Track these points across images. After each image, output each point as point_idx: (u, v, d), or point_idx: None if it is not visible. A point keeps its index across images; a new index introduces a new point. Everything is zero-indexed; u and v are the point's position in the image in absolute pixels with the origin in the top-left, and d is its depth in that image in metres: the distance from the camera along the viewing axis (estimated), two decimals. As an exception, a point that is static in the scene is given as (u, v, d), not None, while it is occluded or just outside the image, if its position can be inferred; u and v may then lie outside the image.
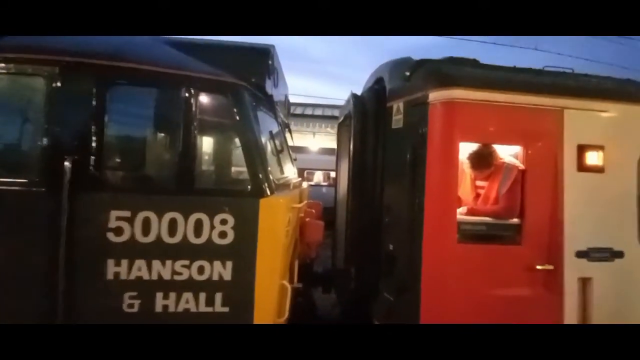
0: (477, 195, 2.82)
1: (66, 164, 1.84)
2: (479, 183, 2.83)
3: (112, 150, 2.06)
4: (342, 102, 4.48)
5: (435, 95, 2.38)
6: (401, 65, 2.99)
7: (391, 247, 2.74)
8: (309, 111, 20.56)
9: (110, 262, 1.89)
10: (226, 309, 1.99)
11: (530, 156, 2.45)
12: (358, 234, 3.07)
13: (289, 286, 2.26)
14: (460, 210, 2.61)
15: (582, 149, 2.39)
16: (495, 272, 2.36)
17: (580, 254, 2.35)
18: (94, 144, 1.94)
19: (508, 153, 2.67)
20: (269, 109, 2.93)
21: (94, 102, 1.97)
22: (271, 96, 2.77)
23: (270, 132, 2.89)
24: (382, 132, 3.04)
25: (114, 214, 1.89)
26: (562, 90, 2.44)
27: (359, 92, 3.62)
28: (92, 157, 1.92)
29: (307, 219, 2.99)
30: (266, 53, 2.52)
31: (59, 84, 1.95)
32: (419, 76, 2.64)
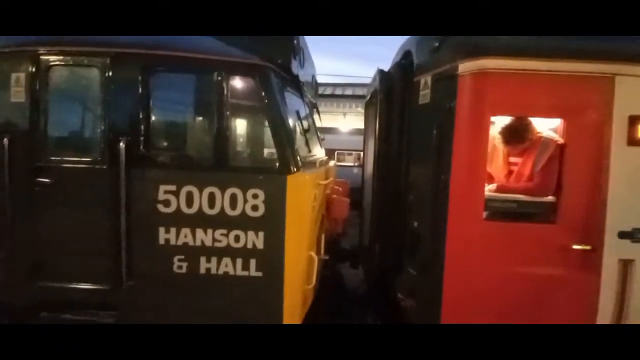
0: (510, 172, 2.71)
1: (121, 144, 2.13)
2: (512, 159, 2.70)
3: (157, 131, 2.31)
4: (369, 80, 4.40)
5: (465, 67, 2.27)
6: (430, 38, 2.86)
7: (415, 224, 2.77)
8: (338, 91, 20.18)
9: (161, 230, 2.18)
10: (260, 274, 2.22)
11: (572, 129, 2.28)
12: (383, 211, 3.13)
13: (315, 257, 2.43)
14: (490, 187, 2.54)
15: (634, 121, 2.16)
16: (525, 250, 2.30)
17: (623, 235, 2.19)
18: (142, 126, 2.20)
19: (546, 126, 2.49)
20: (295, 89, 3.01)
21: (140, 89, 2.21)
22: (297, 76, 2.84)
23: (297, 112, 2.98)
24: (408, 108, 2.99)
25: (162, 187, 2.16)
26: (615, 54, 2.19)
27: (381, 70, 3.53)
28: (142, 138, 2.19)
29: (334, 196, 3.10)
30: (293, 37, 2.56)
31: (110, 74, 2.21)
32: (448, 47, 2.51)
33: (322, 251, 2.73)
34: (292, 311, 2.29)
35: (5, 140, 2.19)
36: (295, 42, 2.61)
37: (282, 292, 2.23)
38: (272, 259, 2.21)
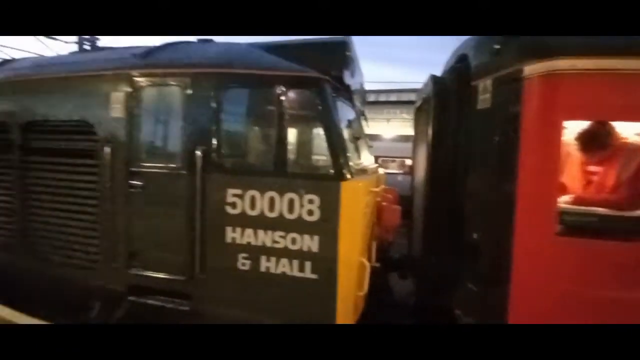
0: (588, 183, 2.43)
1: (197, 152, 2.42)
2: (591, 168, 2.42)
3: (227, 141, 2.57)
4: (416, 86, 4.31)
5: (532, 69, 2.12)
6: (489, 40, 2.73)
7: (475, 236, 2.62)
8: (382, 97, 19.92)
9: (229, 229, 2.41)
10: (315, 276, 2.31)
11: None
12: (438, 222, 3.02)
13: (367, 264, 2.44)
14: (565, 200, 2.30)
15: None
16: (607, 271, 2.03)
17: None
18: (215, 137, 2.47)
19: (631, 131, 2.20)
20: (347, 99, 3.10)
21: (213, 104, 2.50)
22: (349, 86, 2.93)
23: (349, 121, 3.06)
24: (465, 113, 2.87)
25: (230, 191, 2.40)
26: None
27: (434, 75, 3.44)
28: (214, 147, 2.46)
29: (385, 204, 3.10)
30: (344, 45, 2.66)
31: (190, 91, 2.54)
32: (512, 48, 2.38)
33: (373, 259, 2.74)
34: (345, 316, 2.33)
35: (108, 149, 2.65)
36: (348, 53, 2.71)
37: (336, 296, 2.28)
38: (326, 262, 2.29)
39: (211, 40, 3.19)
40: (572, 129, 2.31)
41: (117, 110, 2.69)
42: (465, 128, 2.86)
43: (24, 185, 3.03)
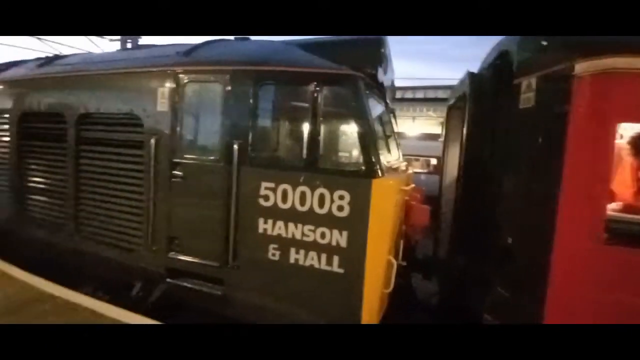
0: (641, 190, 2.26)
1: (234, 146, 2.54)
2: None
3: (262, 136, 2.66)
4: (442, 82, 4.17)
5: (584, 67, 2.00)
6: (534, 36, 2.58)
7: (510, 240, 2.52)
8: (408, 95, 19.36)
9: (261, 220, 2.51)
10: (342, 271, 2.35)
11: None
12: (467, 222, 2.94)
13: (394, 262, 2.44)
14: (614, 207, 2.16)
15: None
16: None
17: None
18: (251, 132, 2.58)
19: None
20: (380, 96, 3.09)
21: (250, 100, 2.59)
22: (382, 83, 2.91)
23: (381, 118, 3.05)
24: (504, 113, 2.75)
25: (264, 184, 2.49)
26: None
27: (471, 72, 3.31)
28: (250, 142, 2.56)
29: (414, 203, 3.06)
30: (379, 43, 2.65)
31: (229, 88, 2.65)
32: (561, 45, 2.25)
33: (400, 257, 2.73)
34: (371, 312, 2.35)
35: (153, 141, 2.84)
36: (382, 50, 2.69)
37: (362, 291, 2.31)
38: (354, 258, 2.32)
39: (248, 39, 3.30)
40: (626, 132, 2.15)
41: (162, 104, 2.87)
42: (504, 127, 2.75)
43: (77, 172, 3.32)
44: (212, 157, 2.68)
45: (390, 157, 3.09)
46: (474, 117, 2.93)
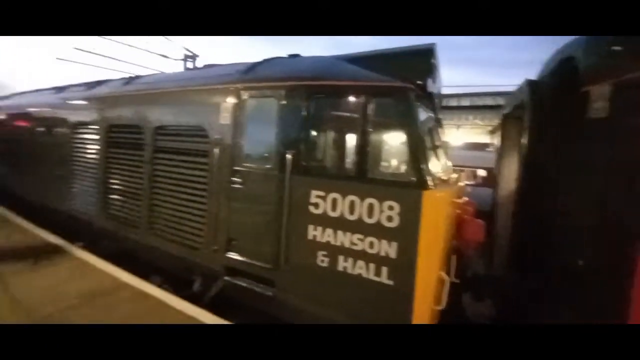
0: None
1: (287, 156, 2.73)
2: None
3: (314, 147, 2.82)
4: (493, 89, 3.96)
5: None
6: (604, 39, 2.39)
7: (581, 262, 2.30)
8: (453, 102, 18.49)
9: (311, 227, 2.63)
10: (391, 282, 2.34)
11: None
12: (529, 241, 2.75)
13: (446, 278, 2.37)
14: None
15: None
16: None
17: None
18: (303, 143, 2.75)
19: None
20: (429, 107, 3.08)
21: (303, 113, 2.78)
22: (431, 94, 2.91)
23: (430, 129, 3.03)
24: (569, 123, 2.57)
25: (314, 192, 2.63)
26: None
27: (530, 79, 3.13)
28: (302, 152, 2.73)
29: (467, 217, 2.96)
30: (429, 53, 2.66)
31: (284, 102, 2.87)
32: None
33: (453, 274, 2.64)
34: (421, 325, 2.30)
35: (216, 150, 3.17)
36: (432, 60, 2.70)
37: (412, 306, 2.27)
38: (404, 270, 2.30)
39: (298, 55, 3.55)
40: None
41: (225, 117, 3.20)
42: (569, 138, 2.56)
43: (152, 176, 3.81)
44: (267, 166, 2.90)
45: (441, 168, 3.03)
46: (535, 127, 2.78)
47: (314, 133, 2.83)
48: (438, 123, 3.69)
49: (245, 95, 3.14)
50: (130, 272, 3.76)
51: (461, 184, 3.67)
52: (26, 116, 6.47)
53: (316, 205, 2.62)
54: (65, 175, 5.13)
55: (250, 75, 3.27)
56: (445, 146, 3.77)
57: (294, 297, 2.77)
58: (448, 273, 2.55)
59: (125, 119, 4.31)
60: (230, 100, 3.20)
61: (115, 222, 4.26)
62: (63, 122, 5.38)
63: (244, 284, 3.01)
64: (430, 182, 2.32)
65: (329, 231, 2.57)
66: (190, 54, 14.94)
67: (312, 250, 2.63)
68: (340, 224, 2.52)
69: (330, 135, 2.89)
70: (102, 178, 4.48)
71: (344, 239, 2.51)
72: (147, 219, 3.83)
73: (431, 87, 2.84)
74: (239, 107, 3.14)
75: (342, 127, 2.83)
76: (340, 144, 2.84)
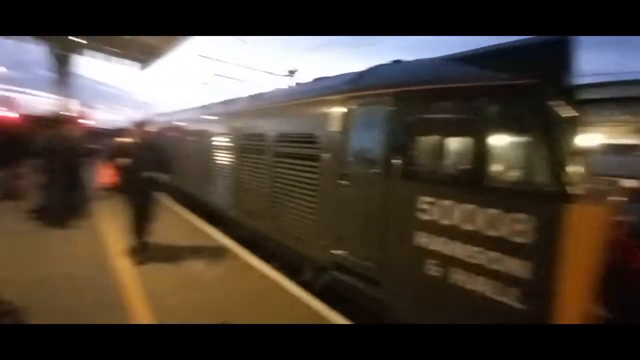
0: None
1: (395, 161, 2.77)
2: None
3: (423, 152, 2.76)
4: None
5: None
6: None
7: None
8: (593, 94, 14.11)
9: (418, 233, 2.59)
10: (522, 307, 2.05)
11: None
12: None
13: (596, 311, 1.95)
14: None
15: None
16: None
17: None
18: (411, 147, 2.74)
19: None
20: (565, 104, 2.54)
21: (410, 118, 2.77)
22: (567, 89, 2.39)
23: (567, 130, 2.50)
24: None
25: (422, 198, 2.57)
26: None
27: None
28: (410, 156, 2.73)
29: (623, 238, 2.34)
30: (562, 44, 2.19)
31: (391, 108, 2.92)
32: None
33: (604, 307, 2.14)
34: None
35: (326, 155, 3.49)
36: (567, 53, 2.21)
37: None
38: (541, 295, 1.99)
39: (399, 61, 3.52)
40: None
41: (334, 125, 3.49)
42: None
43: (272, 177, 4.49)
44: (374, 170, 3.01)
45: (587, 177, 2.47)
46: None
47: (420, 138, 2.77)
48: (576, 122, 2.99)
49: (351, 104, 3.34)
50: (256, 256, 4.59)
51: (614, 197, 2.88)
52: (182, 128, 8.59)
53: (425, 211, 2.57)
54: (208, 175, 6.59)
55: (357, 84, 3.45)
56: (586, 150, 3.03)
57: (397, 300, 2.80)
58: (598, 306, 2.08)
59: (252, 129, 5.23)
60: (338, 109, 3.46)
61: (244, 213, 5.22)
62: (205, 133, 6.93)
63: (348, 280, 3.22)
64: (577, 194, 1.95)
65: (438, 239, 2.47)
66: (292, 69, 17.42)
67: (418, 257, 2.59)
68: (452, 233, 2.38)
69: (444, 140, 2.74)
70: (235, 178, 5.56)
71: (457, 250, 2.37)
72: (268, 213, 4.54)
73: (567, 81, 2.35)
74: (346, 115, 3.36)
75: (457, 131, 2.65)
76: (455, 149, 2.68)
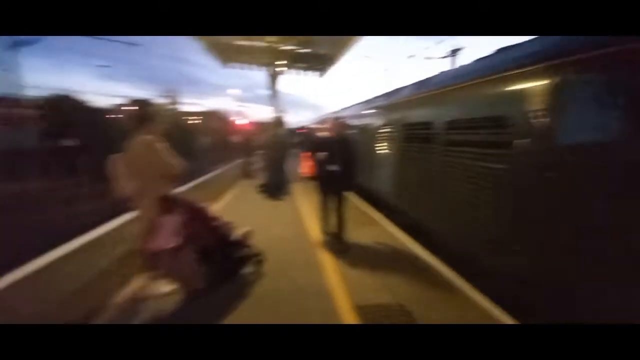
0: None
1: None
2: None
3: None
4: None
5: None
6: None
7: None
8: None
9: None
10: None
11: None
12: None
13: None
14: None
15: None
16: None
17: None
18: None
19: None
20: None
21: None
22: None
23: None
24: None
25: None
26: None
27: None
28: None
29: None
30: None
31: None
32: None
33: None
34: None
35: (520, 142, 2.91)
36: None
37: None
38: None
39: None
40: None
41: (536, 103, 2.77)
42: None
43: (442, 166, 4.26)
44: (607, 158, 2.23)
45: None
46: None
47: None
48: None
49: (567, 73, 2.56)
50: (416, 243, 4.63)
51: None
52: (353, 121, 9.28)
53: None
54: (374, 165, 7.09)
55: (567, 47, 2.61)
56: None
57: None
58: None
59: (415, 118, 5.14)
60: (541, 83, 2.76)
61: (403, 200, 5.31)
62: (371, 125, 7.41)
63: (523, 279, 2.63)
64: None
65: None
66: (454, 49, 16.00)
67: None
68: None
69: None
70: (398, 167, 5.72)
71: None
72: (428, 201, 4.38)
73: None
74: (556, 90, 2.64)
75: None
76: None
